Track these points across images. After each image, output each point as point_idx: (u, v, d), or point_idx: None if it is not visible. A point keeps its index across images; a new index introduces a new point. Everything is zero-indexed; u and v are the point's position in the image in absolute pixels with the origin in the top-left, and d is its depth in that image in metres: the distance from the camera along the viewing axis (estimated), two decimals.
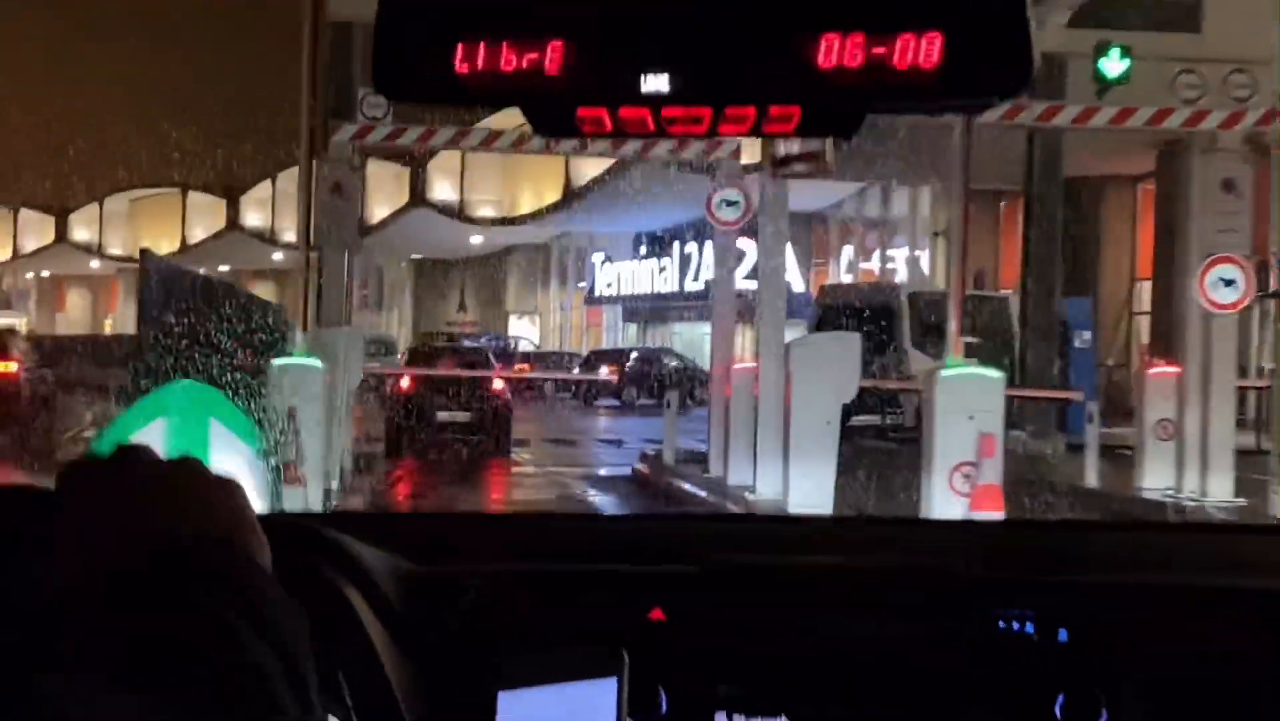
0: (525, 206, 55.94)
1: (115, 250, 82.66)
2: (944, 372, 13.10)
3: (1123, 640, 1.83)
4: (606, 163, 48.00)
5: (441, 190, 59.00)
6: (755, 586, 1.87)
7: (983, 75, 1.16)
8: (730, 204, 18.39)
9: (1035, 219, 26.34)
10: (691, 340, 54.46)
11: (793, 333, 49.47)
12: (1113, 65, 15.65)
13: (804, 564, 1.92)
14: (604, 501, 19.01)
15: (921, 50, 1.13)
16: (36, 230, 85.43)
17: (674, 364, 45.24)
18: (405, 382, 23.89)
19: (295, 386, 13.28)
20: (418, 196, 59.42)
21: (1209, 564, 2.00)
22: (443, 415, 22.88)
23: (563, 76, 1.17)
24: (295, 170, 17.76)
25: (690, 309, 53.72)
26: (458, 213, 58.31)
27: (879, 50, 1.14)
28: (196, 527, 1.08)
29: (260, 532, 1.14)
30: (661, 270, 53.57)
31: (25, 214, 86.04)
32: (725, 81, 1.17)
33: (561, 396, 45.15)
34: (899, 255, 44.94)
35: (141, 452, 1.13)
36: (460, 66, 1.18)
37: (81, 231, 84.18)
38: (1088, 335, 27.95)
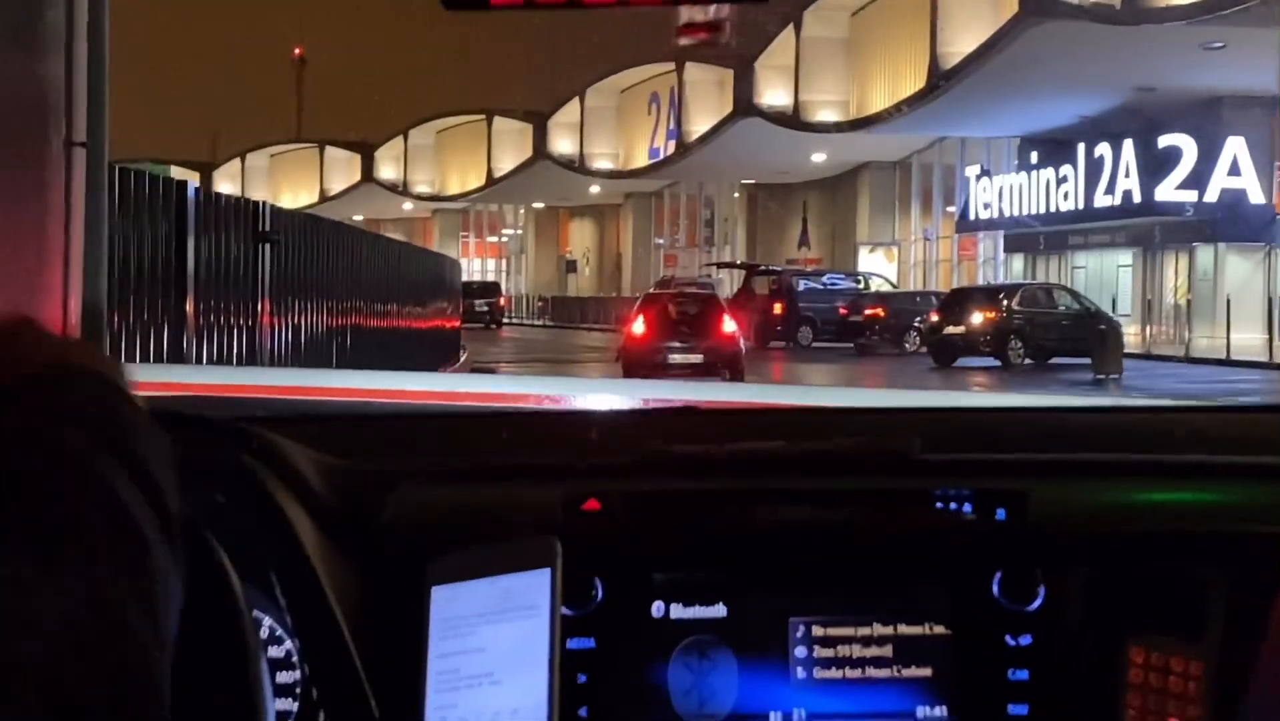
0: (878, 103, 44.65)
1: (423, 188, 75.97)
2: None
3: (1062, 518, 1.85)
4: (987, 28, 35.99)
5: (773, 93, 48.93)
6: (692, 474, 1.87)
7: None
8: None
9: None
10: (1101, 274, 42.49)
11: (1245, 261, 35.62)
12: None
13: (741, 450, 1.89)
14: None
15: None
16: (344, 169, 79.16)
17: (1070, 305, 32.68)
18: (639, 329, 24.74)
19: None
20: (743, 103, 49.94)
21: (1154, 441, 1.99)
22: (675, 358, 23.80)
23: None
24: None
25: (1102, 233, 41.54)
26: (793, 119, 47.90)
27: None
28: (50, 356, 1.03)
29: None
30: (1060, 182, 41.84)
31: (331, 152, 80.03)
32: None
33: (923, 351, 33.73)
34: None
35: None
36: None
37: (388, 169, 77.29)
38: None
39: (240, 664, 1.27)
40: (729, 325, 24.93)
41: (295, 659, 1.69)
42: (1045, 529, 1.82)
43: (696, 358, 23.88)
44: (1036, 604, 1.79)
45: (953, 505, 1.81)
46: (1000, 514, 1.80)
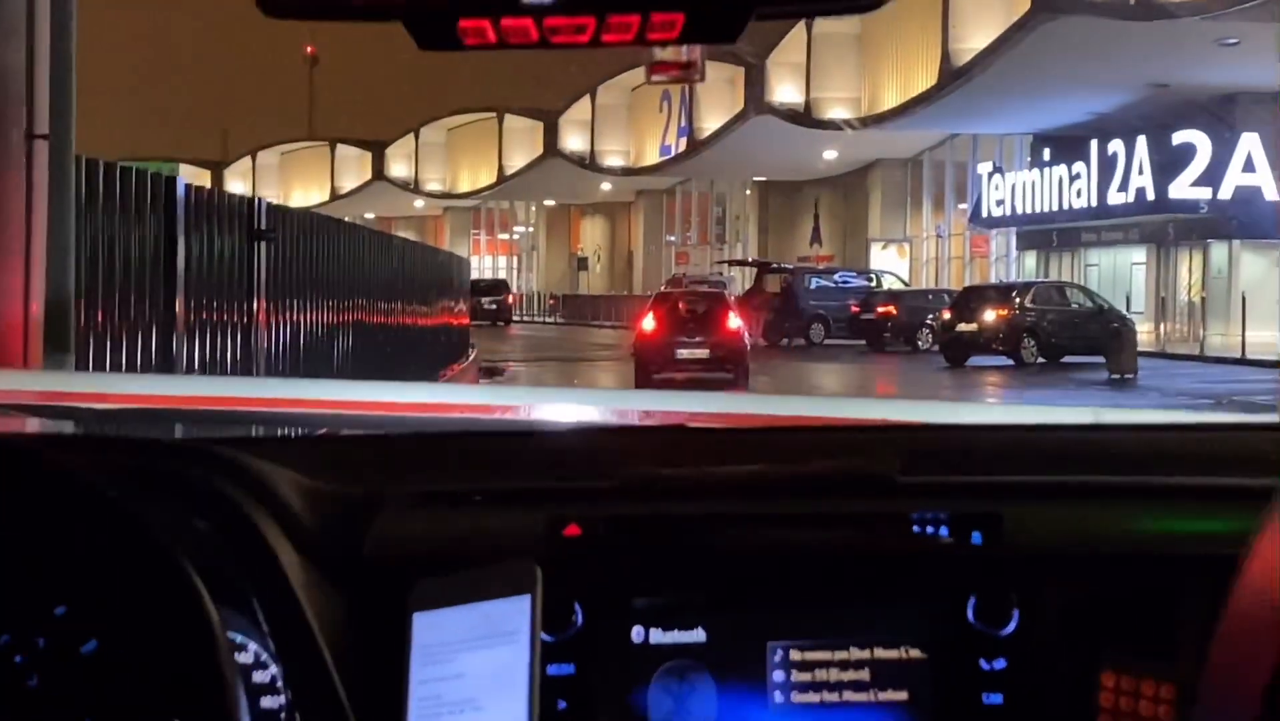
0: (888, 101, 44.43)
1: (434, 185, 75.83)
2: None
3: (1036, 541, 1.84)
4: (999, 24, 35.79)
5: (783, 90, 48.85)
6: (672, 498, 1.87)
7: None
8: None
9: None
10: (1115, 271, 42.25)
11: (1260, 258, 35.39)
12: None
13: (720, 474, 1.91)
14: None
15: None
16: (355, 167, 79.07)
17: (1084, 303, 32.44)
18: (649, 325, 25.89)
19: None
20: (755, 100, 49.61)
21: (1129, 463, 2.00)
22: (683, 353, 25.15)
23: None
24: None
25: (1115, 230, 41.32)
26: (804, 116, 47.76)
27: None
28: None
29: None
30: (1073, 179, 41.59)
31: (342, 149, 79.98)
32: None
33: (935, 349, 33.46)
34: None
35: None
36: None
37: (399, 167, 77.18)
38: None
39: (216, 692, 1.30)
40: (734, 322, 26.25)
41: (280, 684, 1.69)
42: (1020, 552, 1.81)
43: (703, 353, 25.31)
44: (1011, 627, 1.79)
45: (929, 528, 1.81)
46: (976, 537, 1.80)
